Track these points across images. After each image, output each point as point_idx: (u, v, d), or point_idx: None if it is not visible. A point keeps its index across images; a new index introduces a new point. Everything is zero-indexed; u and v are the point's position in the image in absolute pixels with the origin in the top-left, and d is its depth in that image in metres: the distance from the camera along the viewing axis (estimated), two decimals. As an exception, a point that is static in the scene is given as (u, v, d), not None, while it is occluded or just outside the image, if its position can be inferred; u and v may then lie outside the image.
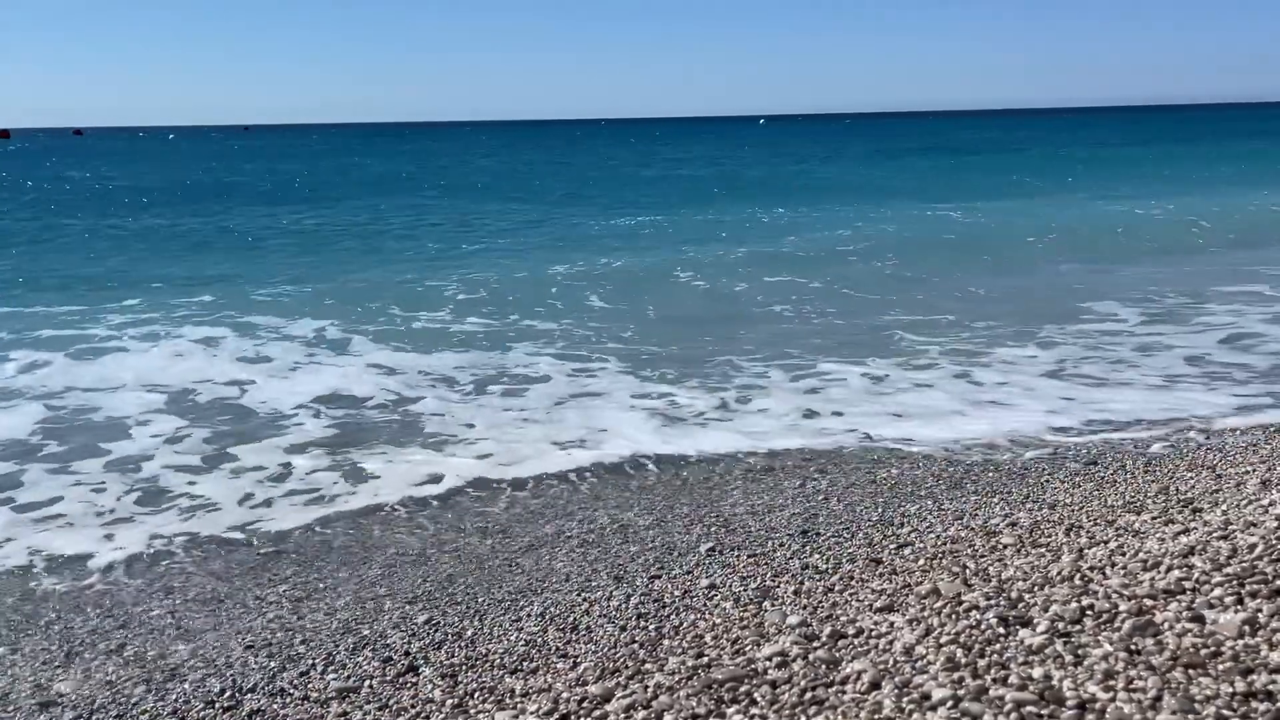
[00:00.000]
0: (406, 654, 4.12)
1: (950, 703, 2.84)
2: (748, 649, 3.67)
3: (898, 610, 3.80)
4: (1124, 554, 4.05)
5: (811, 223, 22.56)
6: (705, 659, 3.62)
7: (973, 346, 9.91)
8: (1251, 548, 3.77)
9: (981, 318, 11.34)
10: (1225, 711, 2.63)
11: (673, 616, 4.24)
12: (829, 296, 13.30)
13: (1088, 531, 4.66)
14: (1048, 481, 5.85)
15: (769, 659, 3.44)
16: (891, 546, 4.89)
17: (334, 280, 15.22)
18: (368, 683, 3.89)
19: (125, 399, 8.46)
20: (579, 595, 4.60)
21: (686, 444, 6.93)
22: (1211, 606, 3.25)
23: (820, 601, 4.18)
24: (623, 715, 3.24)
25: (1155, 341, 9.89)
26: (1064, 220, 21.20)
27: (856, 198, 28.85)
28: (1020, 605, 3.52)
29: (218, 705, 3.80)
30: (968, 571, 4.22)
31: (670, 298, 13.43)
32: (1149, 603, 3.34)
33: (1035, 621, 3.33)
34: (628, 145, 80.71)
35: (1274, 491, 4.88)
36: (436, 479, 6.42)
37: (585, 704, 3.40)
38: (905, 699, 2.92)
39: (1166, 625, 3.15)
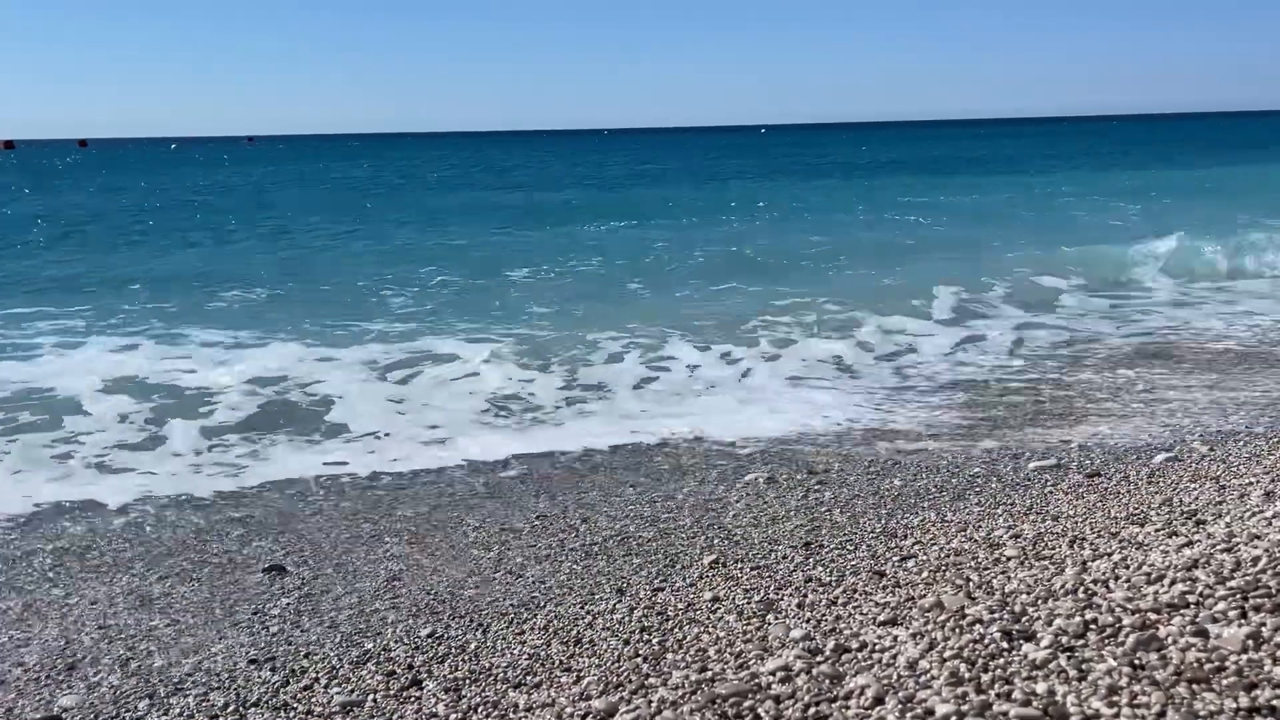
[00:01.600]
0: (410, 667, 4.12)
1: (954, 718, 2.84)
2: (751, 663, 3.67)
3: (901, 624, 3.80)
4: (1128, 567, 4.04)
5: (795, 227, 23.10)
6: (709, 673, 3.61)
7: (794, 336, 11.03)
8: (1255, 560, 3.77)
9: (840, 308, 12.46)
10: (1229, 727, 2.63)
11: (676, 630, 4.24)
12: (752, 292, 14.16)
13: (1091, 544, 4.65)
14: (1051, 493, 5.85)
15: (773, 673, 3.44)
16: (895, 559, 4.88)
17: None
18: (371, 697, 3.89)
19: (95, 394, 8.56)
20: (582, 608, 4.60)
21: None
22: (1215, 620, 3.25)
23: (824, 615, 4.17)
24: (626, 730, 3.24)
25: (913, 343, 10.49)
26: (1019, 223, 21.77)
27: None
28: (1024, 619, 3.52)
29: (221, 719, 3.80)
30: (971, 584, 4.22)
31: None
32: (1153, 617, 3.34)
33: (1039, 636, 3.33)
34: (631, 154, 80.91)
35: (1278, 503, 4.88)
36: (437, 487, 6.43)
37: (589, 719, 3.40)
38: (909, 714, 2.92)
39: (1170, 639, 3.15)
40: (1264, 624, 3.15)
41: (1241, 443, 6.66)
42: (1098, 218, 23.72)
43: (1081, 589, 3.78)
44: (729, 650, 3.88)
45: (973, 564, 4.61)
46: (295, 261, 19.01)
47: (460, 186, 43.44)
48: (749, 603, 4.45)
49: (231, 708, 3.89)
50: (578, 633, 4.32)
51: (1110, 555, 4.34)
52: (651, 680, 3.67)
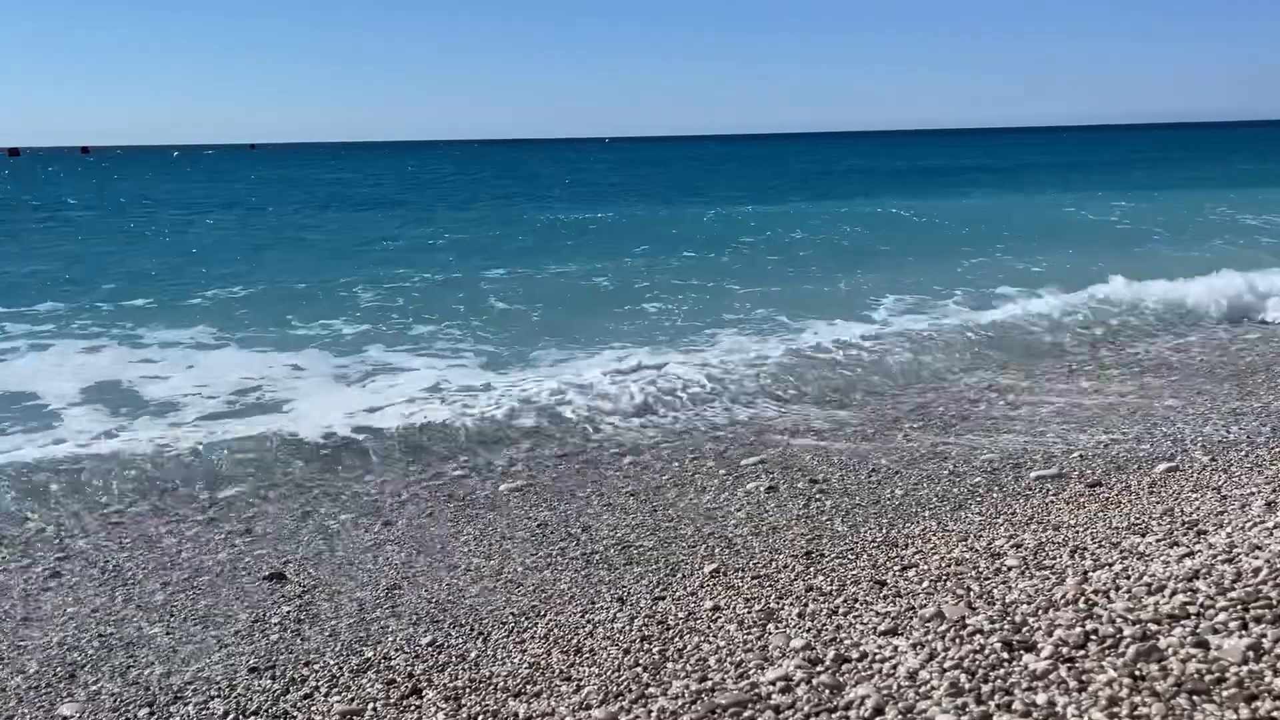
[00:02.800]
0: (410, 676, 4.12)
1: (954, 729, 2.84)
2: (752, 672, 3.66)
3: (902, 633, 3.80)
4: (1128, 577, 4.04)
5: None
6: (709, 683, 3.61)
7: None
8: (1256, 571, 3.77)
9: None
10: (1230, 739, 2.63)
11: (676, 639, 4.24)
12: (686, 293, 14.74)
13: (1092, 554, 4.65)
14: (1052, 502, 5.85)
15: (773, 683, 3.44)
16: (896, 568, 4.88)
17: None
18: (371, 705, 3.89)
19: (74, 397, 8.57)
20: (582, 616, 4.60)
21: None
22: (1216, 631, 3.25)
23: (824, 624, 4.17)
24: (626, 740, 3.23)
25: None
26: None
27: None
28: (1024, 629, 3.52)
29: (221, 730, 3.81)
30: (972, 594, 4.22)
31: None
32: (1153, 627, 3.34)
33: (1039, 646, 3.32)
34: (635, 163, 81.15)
35: (1279, 514, 4.87)
36: (436, 495, 6.43)
37: (588, 728, 3.40)
38: (909, 725, 2.92)
39: (1170, 650, 3.15)
40: (1265, 635, 3.15)
41: (1243, 453, 6.66)
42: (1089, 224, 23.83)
43: (1082, 599, 3.78)
44: (729, 659, 3.88)
45: (974, 574, 4.61)
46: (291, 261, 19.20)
47: (437, 195, 43.47)
48: (749, 612, 4.45)
49: (231, 716, 3.88)
50: (578, 641, 4.32)
51: (1111, 565, 4.34)
52: (651, 689, 3.67)
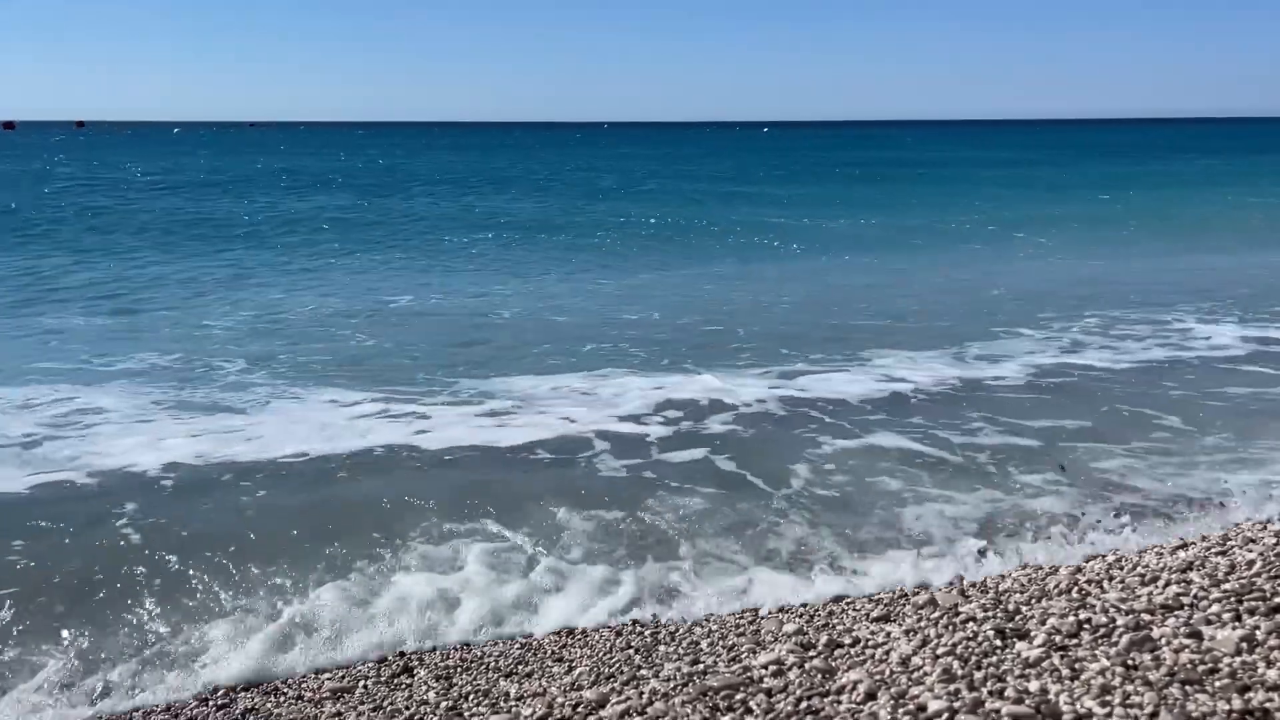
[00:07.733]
0: (401, 655, 4.11)
1: (946, 715, 2.84)
2: (744, 657, 3.66)
3: (895, 620, 3.80)
4: (1122, 568, 4.05)
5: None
6: (701, 666, 3.61)
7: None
8: (1250, 564, 3.78)
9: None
10: (1222, 729, 2.62)
11: (669, 622, 4.23)
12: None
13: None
14: (1046, 493, 5.84)
15: (765, 667, 3.44)
16: (889, 556, 4.87)
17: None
18: (362, 683, 3.88)
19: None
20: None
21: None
22: (1209, 623, 3.25)
23: (817, 610, 4.17)
24: (617, 721, 3.23)
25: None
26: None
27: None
28: (1017, 618, 3.52)
29: (211, 703, 3.79)
30: (965, 582, 4.22)
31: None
32: (1147, 618, 3.34)
33: (1032, 634, 3.32)
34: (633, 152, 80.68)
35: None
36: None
37: (580, 709, 3.39)
38: (901, 710, 2.91)
39: (1164, 641, 3.15)
40: (1258, 627, 3.15)
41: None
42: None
43: (1075, 589, 3.79)
44: (722, 644, 3.88)
45: (967, 562, 4.61)
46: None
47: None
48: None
49: (221, 691, 3.87)
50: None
51: (1104, 556, 4.34)
52: (643, 671, 3.67)
